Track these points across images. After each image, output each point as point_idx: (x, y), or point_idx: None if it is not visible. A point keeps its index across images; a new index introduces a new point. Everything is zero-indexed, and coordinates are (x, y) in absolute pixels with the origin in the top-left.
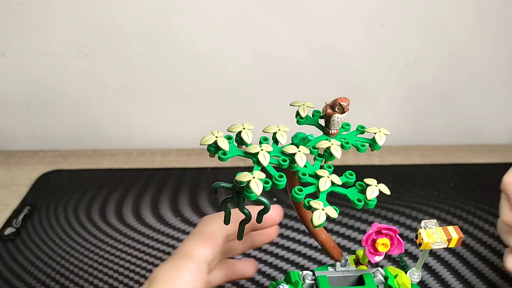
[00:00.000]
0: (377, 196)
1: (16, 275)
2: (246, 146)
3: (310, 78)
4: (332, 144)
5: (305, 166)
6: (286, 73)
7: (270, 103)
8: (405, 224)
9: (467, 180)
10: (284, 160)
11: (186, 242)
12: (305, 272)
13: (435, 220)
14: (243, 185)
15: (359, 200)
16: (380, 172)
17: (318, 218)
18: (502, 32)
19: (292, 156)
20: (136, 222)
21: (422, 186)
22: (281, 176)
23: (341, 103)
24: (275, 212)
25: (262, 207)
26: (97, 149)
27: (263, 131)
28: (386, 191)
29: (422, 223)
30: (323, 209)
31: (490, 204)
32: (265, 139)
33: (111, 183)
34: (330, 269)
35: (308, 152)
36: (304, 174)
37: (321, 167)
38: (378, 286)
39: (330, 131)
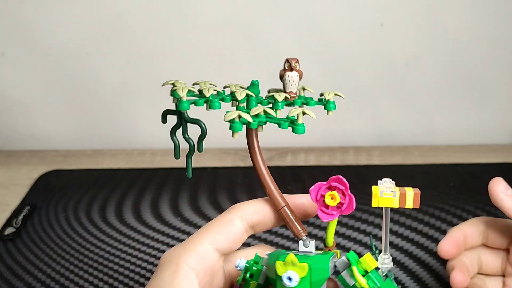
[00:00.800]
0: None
1: (16, 275)
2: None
3: (309, 78)
4: (278, 92)
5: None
6: None
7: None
8: (405, 224)
9: (467, 180)
10: (227, 96)
11: (199, 229)
12: (268, 252)
13: (391, 180)
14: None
15: (284, 121)
16: (380, 172)
17: (229, 115)
18: (502, 32)
19: (233, 93)
20: (136, 222)
21: (422, 186)
22: (215, 98)
23: (288, 60)
24: (308, 202)
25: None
26: (97, 149)
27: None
28: (311, 114)
29: (378, 182)
30: (237, 112)
31: (490, 204)
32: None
33: (111, 183)
34: (293, 252)
35: (253, 94)
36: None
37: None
38: (340, 269)
39: (286, 93)
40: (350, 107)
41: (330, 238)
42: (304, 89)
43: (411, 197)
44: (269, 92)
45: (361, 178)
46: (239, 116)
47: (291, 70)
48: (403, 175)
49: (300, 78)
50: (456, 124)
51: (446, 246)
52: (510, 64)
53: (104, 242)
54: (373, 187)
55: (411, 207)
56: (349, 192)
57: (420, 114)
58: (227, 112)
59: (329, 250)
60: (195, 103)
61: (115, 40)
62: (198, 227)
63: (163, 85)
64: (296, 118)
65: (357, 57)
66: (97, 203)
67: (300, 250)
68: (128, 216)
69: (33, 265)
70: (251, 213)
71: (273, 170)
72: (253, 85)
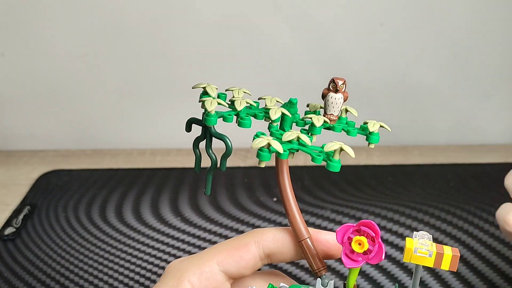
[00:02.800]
0: (375, 196)
1: (16, 275)
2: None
3: (309, 78)
4: (317, 116)
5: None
6: (286, 73)
7: None
8: (405, 224)
9: (467, 180)
10: (260, 112)
11: (213, 246)
12: (282, 284)
13: (429, 235)
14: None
15: (318, 155)
16: (380, 172)
17: (258, 142)
18: (502, 32)
19: (267, 110)
20: (136, 222)
21: (422, 186)
22: (247, 116)
23: (335, 80)
24: (333, 240)
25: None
26: (97, 149)
27: (258, 99)
28: (350, 152)
29: (414, 234)
30: (267, 139)
31: (490, 204)
32: (256, 102)
33: (111, 183)
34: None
35: (288, 114)
36: (276, 131)
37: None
38: None
39: (327, 115)
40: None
41: (352, 282)
42: (346, 110)
43: (448, 260)
44: (307, 106)
45: (361, 178)
46: (269, 145)
47: (336, 91)
48: (403, 175)
49: (345, 100)
50: (456, 124)
51: None
52: (510, 64)
53: (104, 242)
54: (407, 240)
55: (447, 269)
56: (379, 240)
57: (420, 114)
58: (255, 136)
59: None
60: (223, 117)
61: (115, 40)
62: (198, 227)
63: (193, 88)
64: (332, 154)
65: (357, 57)
66: (97, 203)
67: None
68: (128, 216)
69: (33, 265)
70: (269, 240)
71: (273, 170)
72: (291, 104)
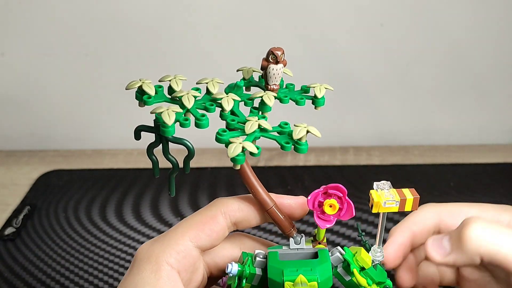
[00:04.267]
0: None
1: (16, 275)
2: (175, 94)
3: (309, 78)
4: (266, 93)
5: (236, 115)
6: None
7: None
8: None
9: (467, 180)
10: (211, 104)
11: (180, 223)
12: (257, 250)
13: (388, 182)
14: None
15: (287, 143)
16: (380, 172)
17: (233, 149)
18: (502, 32)
19: (217, 99)
20: (136, 222)
21: (422, 186)
22: (202, 116)
23: (274, 51)
24: (295, 204)
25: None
26: (97, 149)
27: (196, 83)
28: (316, 132)
29: (375, 184)
30: (240, 143)
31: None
32: (197, 89)
33: (111, 183)
34: (284, 248)
35: (238, 98)
36: (233, 120)
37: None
38: (334, 265)
39: (269, 86)
40: (350, 107)
41: (322, 234)
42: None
43: (410, 203)
44: (238, 71)
45: (361, 178)
46: (243, 147)
47: (277, 62)
48: (403, 175)
49: (284, 66)
50: (456, 124)
51: (390, 256)
52: (510, 64)
53: (104, 242)
54: (373, 192)
55: (409, 210)
56: (347, 198)
57: (420, 114)
58: (223, 139)
59: (319, 243)
60: (180, 123)
61: (115, 40)
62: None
63: (127, 89)
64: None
65: (357, 57)
66: (97, 203)
67: (291, 247)
68: (128, 216)
69: (33, 265)
70: (235, 210)
71: (273, 170)
72: (238, 87)
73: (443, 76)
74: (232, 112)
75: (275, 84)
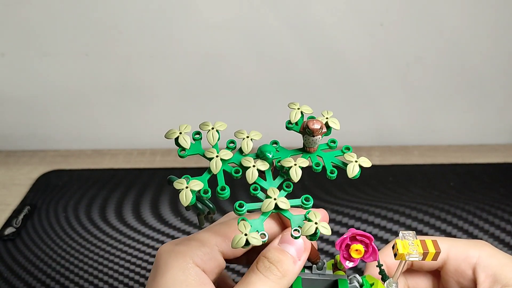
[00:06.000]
0: (375, 196)
1: (16, 275)
2: (212, 147)
3: (309, 78)
4: (295, 164)
5: (264, 179)
6: (286, 74)
7: (270, 104)
8: (405, 224)
9: (467, 180)
10: (237, 172)
11: (205, 229)
12: None
13: (413, 232)
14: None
15: (296, 231)
16: (380, 172)
17: (238, 241)
18: (502, 32)
19: (245, 169)
20: (136, 222)
21: (422, 186)
22: (223, 189)
23: (310, 127)
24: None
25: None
26: (97, 149)
27: (234, 135)
28: (327, 232)
29: (400, 233)
30: (246, 234)
31: (490, 204)
32: (232, 142)
33: (111, 183)
34: (306, 271)
35: (266, 167)
36: (255, 189)
37: (281, 185)
38: None
39: (306, 148)
40: (350, 107)
41: (342, 264)
42: (328, 126)
43: (431, 256)
44: (291, 108)
45: (361, 178)
46: (247, 241)
47: (313, 136)
48: (403, 175)
49: (322, 134)
50: (456, 124)
51: None
52: (510, 64)
53: (104, 242)
54: (398, 242)
55: (430, 260)
56: (373, 244)
57: (420, 114)
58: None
59: (339, 269)
60: (199, 196)
61: (115, 40)
62: (198, 227)
63: (166, 137)
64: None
65: (357, 57)
66: (97, 203)
67: (313, 272)
68: (128, 216)
69: (33, 265)
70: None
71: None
72: (263, 154)
73: (443, 76)
74: (261, 173)
75: (312, 147)
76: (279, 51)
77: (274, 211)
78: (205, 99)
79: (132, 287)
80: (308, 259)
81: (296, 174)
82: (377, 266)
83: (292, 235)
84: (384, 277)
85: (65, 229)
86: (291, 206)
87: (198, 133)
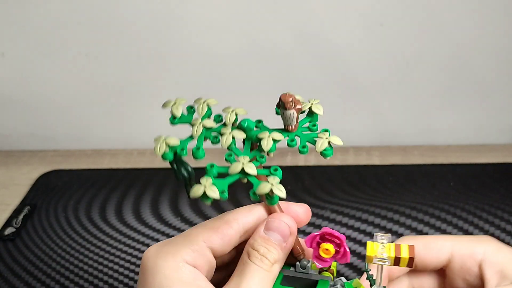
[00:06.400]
0: (375, 196)
1: (16, 275)
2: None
3: (309, 78)
4: (269, 136)
5: (241, 151)
6: (286, 74)
7: (270, 105)
8: (405, 224)
9: (467, 180)
10: (215, 137)
11: (193, 227)
12: None
13: (389, 235)
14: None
15: (253, 194)
16: (380, 172)
17: (195, 189)
18: (502, 31)
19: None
20: (136, 222)
21: (422, 186)
22: (198, 148)
23: (282, 99)
24: (302, 212)
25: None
26: (97, 149)
27: (222, 111)
28: (282, 194)
29: (374, 235)
30: (205, 186)
31: (490, 204)
32: (219, 116)
33: (111, 183)
34: (291, 269)
35: (242, 136)
36: (230, 155)
37: (256, 158)
38: None
39: (285, 126)
40: (350, 107)
41: (332, 265)
42: (312, 112)
43: (405, 261)
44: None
45: (361, 178)
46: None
47: (285, 108)
48: (403, 175)
49: (298, 112)
50: (456, 124)
51: None
52: (510, 64)
53: (104, 242)
54: (368, 244)
55: (404, 266)
56: (345, 245)
57: (420, 114)
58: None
59: (326, 270)
60: (176, 152)
61: (115, 40)
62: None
63: (163, 107)
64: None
65: (357, 57)
66: (97, 203)
67: (297, 270)
68: (128, 216)
69: (33, 265)
70: (249, 222)
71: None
72: (248, 129)
73: (443, 76)
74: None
75: (290, 125)
76: (279, 52)
77: (240, 175)
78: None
79: (132, 287)
80: (292, 254)
81: (266, 144)
82: (363, 271)
83: (251, 197)
84: (371, 282)
85: (65, 229)
86: (259, 174)
87: (192, 107)
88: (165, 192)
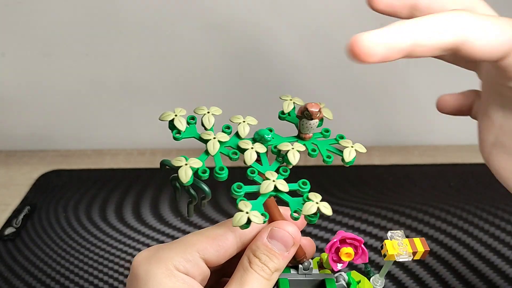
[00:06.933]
0: (375, 196)
1: (16, 275)
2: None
3: (309, 78)
4: (292, 148)
5: (260, 164)
6: (286, 74)
7: (270, 105)
8: (405, 224)
9: (467, 180)
10: (235, 154)
11: (189, 234)
12: None
13: (402, 232)
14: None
15: (296, 212)
16: (380, 172)
17: (238, 219)
18: None
19: (243, 151)
20: (136, 222)
21: (422, 186)
22: (221, 169)
23: (309, 109)
24: (306, 245)
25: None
26: (97, 149)
27: (229, 120)
28: (328, 211)
29: (389, 233)
30: (247, 212)
31: (490, 204)
32: (228, 127)
33: (111, 183)
34: (292, 271)
35: (264, 150)
36: (253, 172)
37: (278, 170)
38: None
39: (301, 134)
40: (350, 107)
41: (329, 264)
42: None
43: (420, 255)
44: (282, 100)
45: (361, 178)
46: (248, 219)
47: (311, 119)
48: (403, 175)
49: (320, 119)
50: (456, 124)
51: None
52: None
53: (104, 242)
54: (387, 243)
55: (418, 259)
56: (363, 246)
57: (420, 114)
58: (237, 209)
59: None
60: (197, 175)
61: (115, 40)
62: (198, 227)
63: (160, 120)
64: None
65: None
66: (97, 203)
67: (299, 272)
68: (128, 216)
69: (33, 265)
70: (246, 233)
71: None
72: (263, 139)
73: (443, 75)
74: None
75: (307, 134)
76: (279, 52)
77: (273, 193)
78: (205, 99)
79: None
80: (294, 257)
81: (294, 157)
82: (364, 270)
83: (292, 216)
84: (369, 273)
85: (65, 229)
86: (290, 189)
87: (193, 118)
88: (165, 192)
